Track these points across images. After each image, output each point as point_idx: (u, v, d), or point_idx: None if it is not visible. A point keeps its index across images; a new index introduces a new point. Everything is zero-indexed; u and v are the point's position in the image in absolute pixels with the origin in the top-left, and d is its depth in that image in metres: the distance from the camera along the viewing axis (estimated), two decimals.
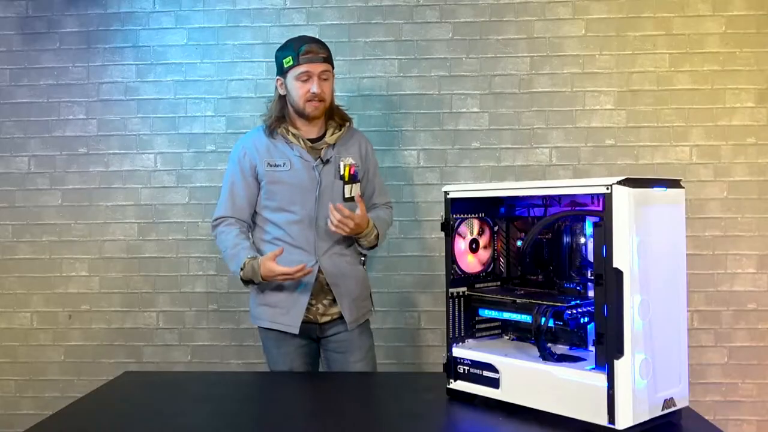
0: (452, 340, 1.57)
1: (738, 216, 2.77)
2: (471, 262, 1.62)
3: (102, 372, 2.83)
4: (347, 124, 2.18)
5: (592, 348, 1.41)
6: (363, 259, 2.20)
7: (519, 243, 1.64)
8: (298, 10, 2.86)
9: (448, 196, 1.56)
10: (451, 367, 1.54)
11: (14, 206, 2.92)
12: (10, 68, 2.92)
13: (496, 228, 1.67)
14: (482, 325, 1.63)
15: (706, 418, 1.47)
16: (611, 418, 1.24)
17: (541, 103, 2.81)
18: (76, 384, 2.88)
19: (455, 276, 1.58)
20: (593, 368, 1.31)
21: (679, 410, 1.35)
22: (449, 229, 1.56)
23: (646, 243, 1.25)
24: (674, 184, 1.37)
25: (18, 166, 2.93)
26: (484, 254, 1.65)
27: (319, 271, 2.06)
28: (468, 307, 1.59)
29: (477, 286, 1.62)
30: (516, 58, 2.82)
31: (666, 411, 1.31)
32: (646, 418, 1.26)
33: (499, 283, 1.67)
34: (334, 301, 2.09)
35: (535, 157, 2.82)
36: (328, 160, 2.10)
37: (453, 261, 1.58)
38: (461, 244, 1.60)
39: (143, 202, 2.90)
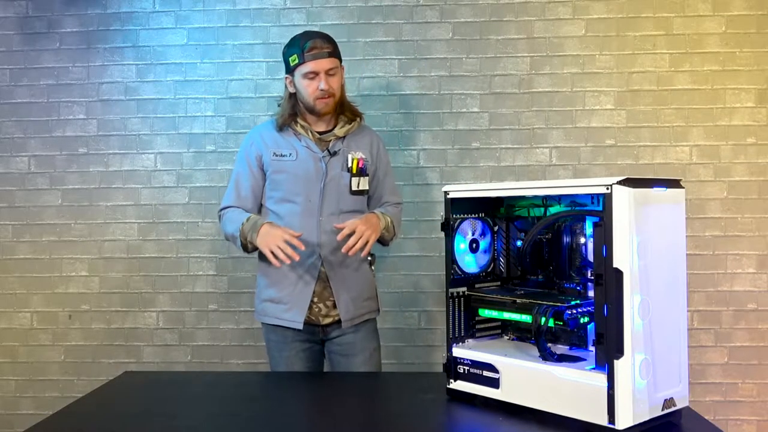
0: (452, 340, 1.57)
1: (738, 216, 2.77)
2: (471, 262, 1.62)
3: (102, 372, 2.83)
4: (358, 119, 2.16)
5: (592, 348, 1.42)
6: (370, 259, 2.16)
7: (519, 243, 1.64)
8: (298, 10, 2.86)
9: (448, 196, 1.56)
10: (451, 367, 1.54)
11: (14, 206, 2.92)
12: (10, 68, 2.92)
13: (496, 228, 1.67)
14: (482, 325, 1.63)
15: (706, 418, 1.47)
16: (611, 418, 1.24)
17: (541, 103, 2.81)
18: (76, 384, 2.88)
19: (455, 276, 1.58)
20: (593, 368, 1.31)
21: (679, 410, 1.35)
22: (449, 229, 1.56)
23: (646, 243, 1.25)
24: (674, 184, 1.37)
25: (18, 166, 2.93)
26: (483, 254, 1.65)
27: (322, 265, 2.05)
28: (468, 307, 1.59)
29: (477, 286, 1.62)
30: (516, 58, 2.82)
31: (666, 411, 1.31)
32: (646, 418, 1.26)
33: (499, 283, 1.67)
34: (335, 304, 2.07)
35: (535, 157, 2.82)
36: (335, 152, 2.08)
37: (453, 261, 1.57)
38: (461, 244, 1.60)
39: (143, 202, 2.90)
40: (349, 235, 1.92)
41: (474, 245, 1.62)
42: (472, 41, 2.83)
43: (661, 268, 1.30)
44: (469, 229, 1.61)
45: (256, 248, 2.01)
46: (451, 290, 1.57)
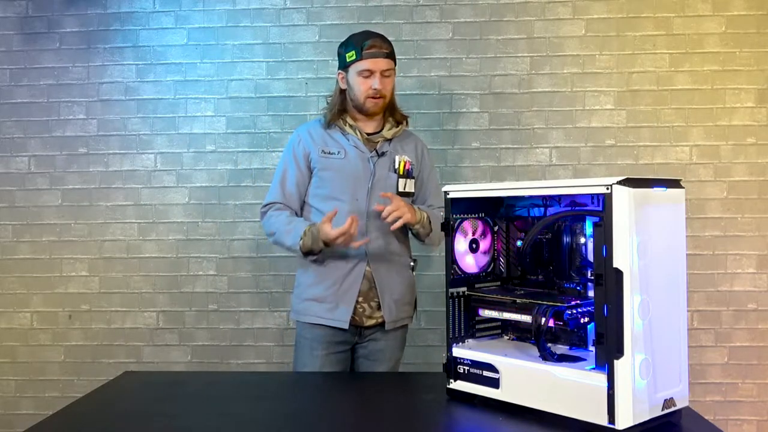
0: (452, 340, 1.56)
1: (738, 216, 2.77)
2: (471, 262, 1.62)
3: (102, 372, 2.83)
4: (404, 122, 2.19)
5: (592, 348, 1.42)
6: (412, 264, 2.17)
7: (519, 243, 1.64)
8: (298, 10, 2.86)
9: (448, 196, 1.56)
10: (451, 367, 1.54)
11: (14, 206, 2.92)
12: (10, 68, 2.92)
13: (496, 228, 1.67)
14: (482, 325, 1.63)
15: (706, 418, 1.47)
16: (611, 418, 1.24)
17: (541, 103, 2.81)
18: (76, 384, 2.88)
19: (455, 276, 1.58)
20: (593, 368, 1.31)
21: (679, 410, 1.35)
22: (449, 229, 1.56)
23: (646, 243, 1.25)
24: (674, 184, 1.37)
25: (18, 166, 2.93)
26: (483, 254, 1.65)
27: (368, 264, 2.05)
28: (468, 307, 1.59)
29: (477, 286, 1.62)
30: (516, 58, 2.82)
31: (666, 411, 1.30)
32: (646, 418, 1.26)
33: (499, 283, 1.67)
34: (379, 306, 2.07)
35: (535, 157, 2.82)
36: (383, 153, 2.10)
37: (453, 261, 1.57)
38: (461, 244, 1.60)
39: (143, 202, 2.90)
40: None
41: (474, 245, 1.62)
42: (472, 41, 2.83)
43: (661, 268, 1.30)
44: (469, 229, 1.61)
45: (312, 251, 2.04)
46: (451, 290, 1.57)
